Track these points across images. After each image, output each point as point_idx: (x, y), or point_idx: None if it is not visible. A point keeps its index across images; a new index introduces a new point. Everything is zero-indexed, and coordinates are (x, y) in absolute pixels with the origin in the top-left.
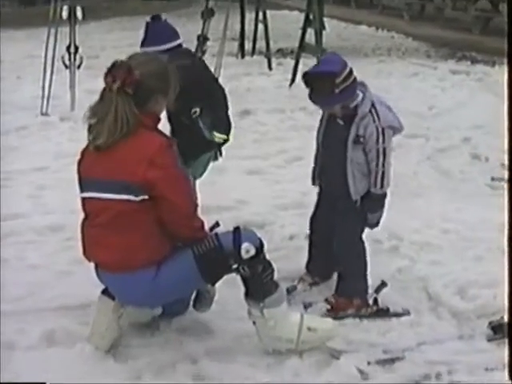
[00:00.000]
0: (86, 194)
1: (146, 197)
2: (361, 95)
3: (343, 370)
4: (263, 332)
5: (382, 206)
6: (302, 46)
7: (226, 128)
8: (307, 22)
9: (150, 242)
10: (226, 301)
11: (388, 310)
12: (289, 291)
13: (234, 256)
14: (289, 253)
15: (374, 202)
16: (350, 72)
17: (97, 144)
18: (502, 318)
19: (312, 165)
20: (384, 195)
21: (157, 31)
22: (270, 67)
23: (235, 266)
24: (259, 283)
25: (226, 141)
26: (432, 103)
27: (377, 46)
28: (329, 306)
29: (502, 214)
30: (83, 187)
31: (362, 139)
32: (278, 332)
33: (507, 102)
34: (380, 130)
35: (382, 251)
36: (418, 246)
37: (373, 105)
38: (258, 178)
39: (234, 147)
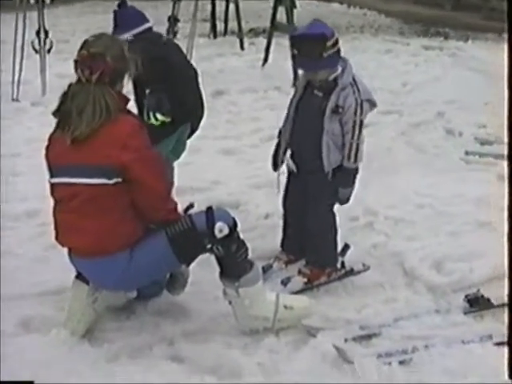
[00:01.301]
0: (57, 180)
1: (120, 180)
2: (340, 68)
3: (320, 348)
4: (239, 311)
5: (354, 181)
6: (274, 25)
7: (170, 109)
8: (278, 1)
9: (124, 226)
10: (200, 282)
11: (352, 269)
12: (264, 270)
13: (208, 236)
14: (264, 232)
15: (346, 177)
16: (337, 41)
17: (75, 135)
18: (478, 290)
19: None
20: (356, 170)
21: (124, 18)
22: (242, 47)
23: (209, 246)
24: (234, 262)
25: (165, 123)
26: (405, 79)
27: (349, 24)
28: (305, 279)
29: (476, 188)
30: (53, 173)
31: (340, 109)
32: (254, 311)
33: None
34: (359, 101)
35: (357, 227)
36: (393, 222)
37: (353, 78)
38: (232, 158)
39: (207, 128)
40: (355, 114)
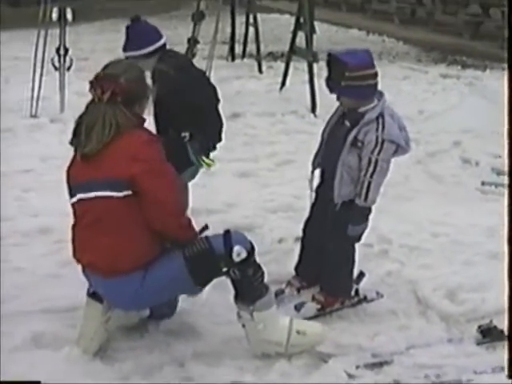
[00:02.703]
0: (74, 199)
1: (130, 192)
2: (373, 103)
3: (332, 374)
4: (252, 335)
5: (364, 220)
6: (293, 49)
7: (212, 149)
8: (298, 26)
9: (138, 244)
10: (214, 304)
11: (365, 297)
12: (276, 295)
13: (225, 259)
14: (278, 256)
15: (355, 214)
16: (375, 74)
17: (85, 152)
18: (491, 321)
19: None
20: (367, 209)
21: (139, 33)
22: (260, 70)
23: (226, 269)
24: (249, 286)
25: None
26: (422, 107)
27: None
28: (318, 305)
29: (491, 218)
30: (71, 193)
31: (359, 144)
32: (268, 335)
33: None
34: (380, 140)
35: (371, 255)
36: (408, 250)
37: (381, 114)
38: (248, 181)
39: (223, 150)
40: (372, 151)
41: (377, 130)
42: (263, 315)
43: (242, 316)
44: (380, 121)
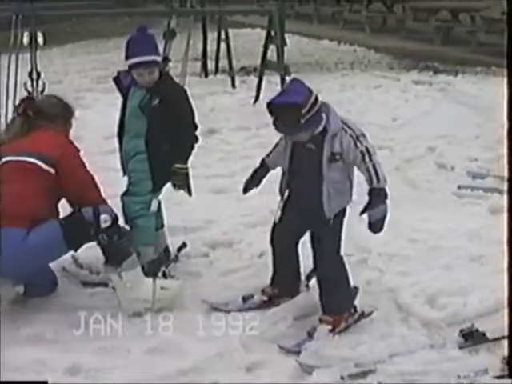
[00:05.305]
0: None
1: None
2: (325, 117)
3: None
4: (122, 295)
5: (382, 202)
6: (264, 63)
7: (187, 158)
8: (269, 39)
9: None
10: (195, 321)
11: (363, 313)
12: (244, 299)
13: (94, 226)
14: (258, 270)
15: (372, 197)
16: (315, 100)
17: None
18: (473, 325)
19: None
20: (384, 190)
21: (150, 41)
22: (233, 85)
23: (94, 234)
24: (116, 250)
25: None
26: (396, 114)
27: (339, 60)
28: (329, 326)
29: (469, 221)
30: None
31: (337, 156)
32: (135, 293)
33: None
34: (355, 136)
35: (350, 264)
36: (387, 257)
37: (342, 120)
38: (225, 197)
39: (199, 166)
40: (356, 146)
41: (346, 131)
42: (130, 274)
43: (111, 279)
44: (344, 125)
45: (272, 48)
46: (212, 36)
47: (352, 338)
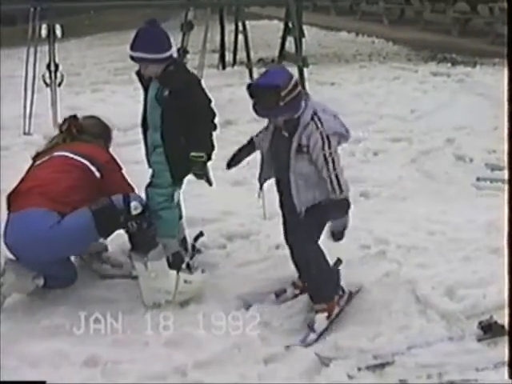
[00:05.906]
0: None
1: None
2: (304, 105)
3: (334, 377)
4: (145, 285)
5: (344, 213)
6: (282, 54)
7: (204, 146)
8: (286, 31)
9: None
10: (211, 314)
11: (351, 293)
12: (277, 295)
13: (124, 213)
14: (275, 262)
15: (335, 208)
16: (295, 85)
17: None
18: (491, 317)
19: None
20: (345, 200)
21: (152, 37)
22: (251, 77)
23: (124, 221)
24: (144, 238)
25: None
26: (414, 106)
27: (357, 52)
28: (325, 313)
29: (488, 213)
30: None
31: (305, 149)
32: (159, 283)
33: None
34: (324, 135)
35: (369, 256)
36: (405, 249)
37: (315, 113)
38: (242, 189)
39: (216, 158)
40: (323, 148)
41: (317, 128)
42: (155, 265)
43: (136, 267)
44: (316, 119)
45: (290, 40)
46: (229, 28)
47: (370, 329)
